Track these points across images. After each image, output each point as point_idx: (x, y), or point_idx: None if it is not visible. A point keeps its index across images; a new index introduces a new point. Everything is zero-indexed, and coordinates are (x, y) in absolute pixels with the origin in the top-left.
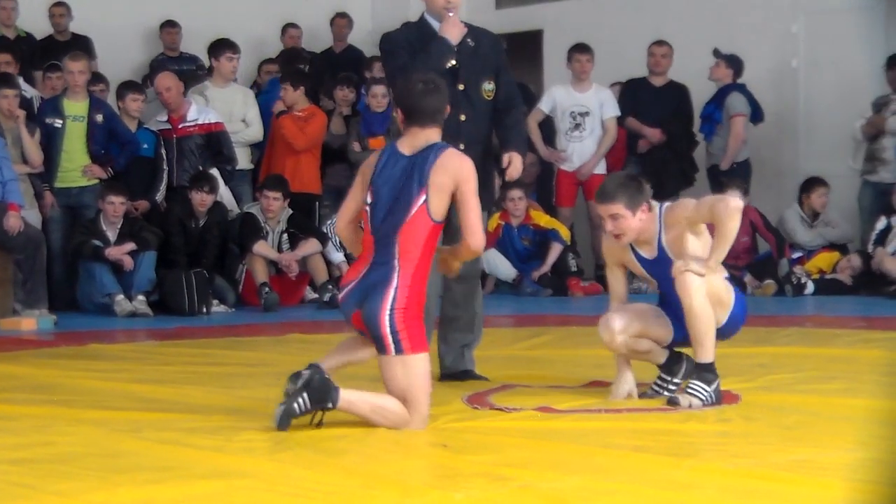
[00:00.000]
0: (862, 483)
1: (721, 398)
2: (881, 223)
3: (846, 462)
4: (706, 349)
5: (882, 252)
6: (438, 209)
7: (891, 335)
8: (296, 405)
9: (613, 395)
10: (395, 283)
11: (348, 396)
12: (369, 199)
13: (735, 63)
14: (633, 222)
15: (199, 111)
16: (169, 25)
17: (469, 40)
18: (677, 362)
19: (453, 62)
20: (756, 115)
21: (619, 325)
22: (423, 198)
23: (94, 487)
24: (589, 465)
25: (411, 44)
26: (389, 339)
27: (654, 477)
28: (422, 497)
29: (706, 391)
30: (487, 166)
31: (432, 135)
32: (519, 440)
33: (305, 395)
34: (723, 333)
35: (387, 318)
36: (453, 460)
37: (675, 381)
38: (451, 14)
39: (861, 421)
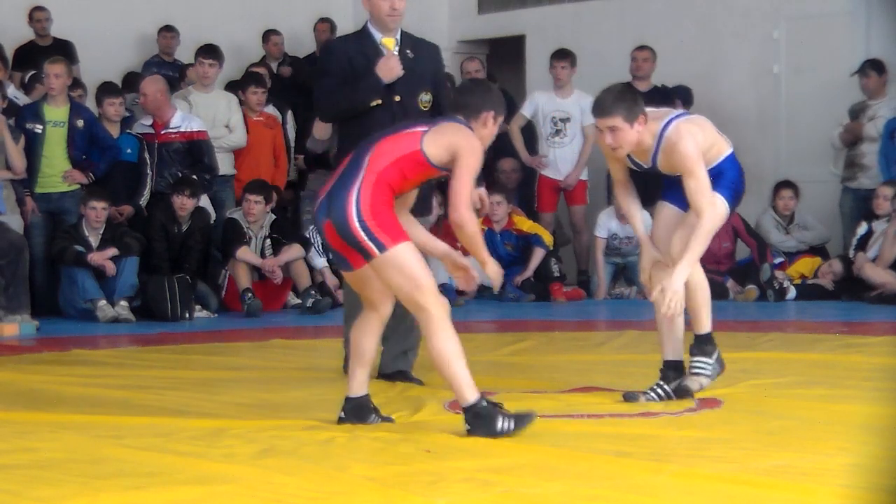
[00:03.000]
0: (843, 488)
1: (724, 366)
2: (862, 228)
3: (828, 467)
4: (702, 321)
5: (863, 257)
6: (430, 146)
7: (871, 340)
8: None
9: (641, 270)
10: (359, 181)
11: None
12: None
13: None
14: (631, 134)
15: (184, 118)
16: (166, 30)
17: (408, 51)
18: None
19: (379, 102)
20: None
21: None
22: (422, 129)
23: (75, 493)
24: (571, 470)
25: (350, 57)
26: (367, 241)
27: (635, 482)
28: (404, 502)
29: (709, 364)
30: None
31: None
32: (501, 446)
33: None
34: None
35: (356, 220)
36: (436, 466)
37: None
38: (391, 51)
39: (843, 426)
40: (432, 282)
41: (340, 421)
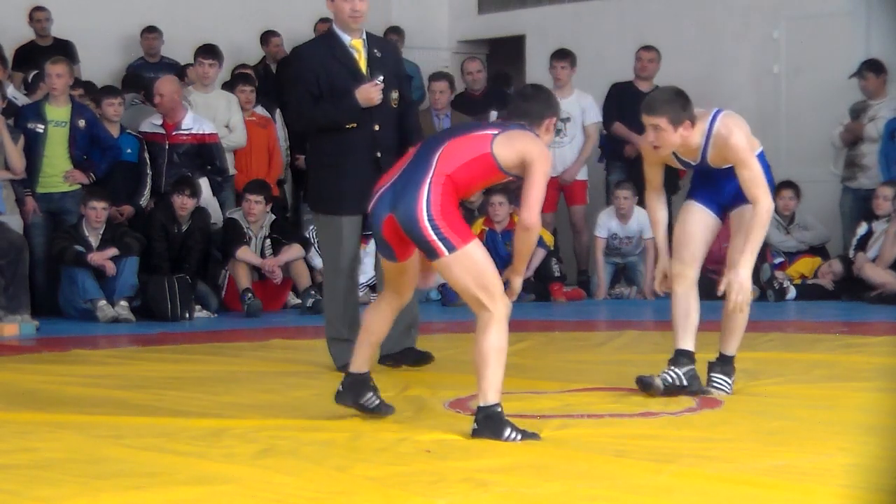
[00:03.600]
0: (843, 488)
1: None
2: (862, 229)
3: (828, 467)
4: (732, 345)
5: (863, 257)
6: (501, 149)
7: (871, 340)
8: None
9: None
10: (428, 180)
11: None
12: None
13: None
14: (674, 137)
15: (195, 120)
16: (149, 31)
17: (376, 51)
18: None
19: (354, 125)
20: None
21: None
22: (493, 132)
23: (75, 493)
24: (571, 470)
25: (321, 62)
26: (436, 240)
27: (635, 482)
28: (404, 502)
29: (728, 384)
30: None
31: None
32: (501, 446)
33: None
34: None
35: (426, 220)
36: (436, 466)
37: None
38: (357, 36)
39: (843, 426)
40: (499, 282)
41: (338, 395)
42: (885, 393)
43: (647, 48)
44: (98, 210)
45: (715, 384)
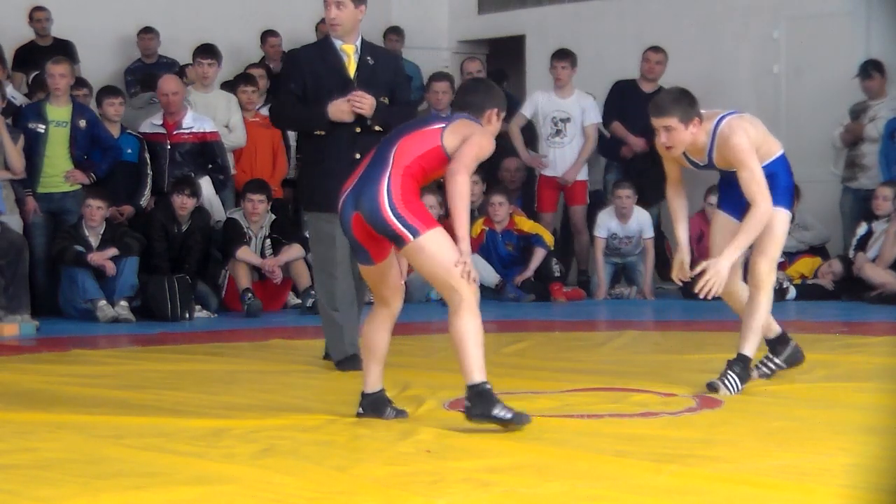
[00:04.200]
0: (843, 488)
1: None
2: (862, 229)
3: (827, 467)
4: (751, 344)
5: (862, 257)
6: (449, 141)
7: (871, 340)
8: None
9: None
10: (387, 173)
11: None
12: None
13: None
14: (685, 135)
15: (195, 119)
16: (145, 32)
17: (368, 58)
18: (783, 343)
19: (321, 132)
20: None
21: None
22: (440, 125)
23: (75, 493)
24: (571, 470)
25: (312, 66)
26: (400, 226)
27: (636, 482)
28: (404, 502)
29: (737, 385)
30: None
31: None
32: (501, 446)
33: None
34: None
35: (388, 208)
36: (436, 466)
37: (777, 361)
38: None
39: (843, 426)
40: (463, 266)
41: (359, 415)
42: (885, 393)
43: (655, 49)
44: (93, 208)
45: (727, 379)
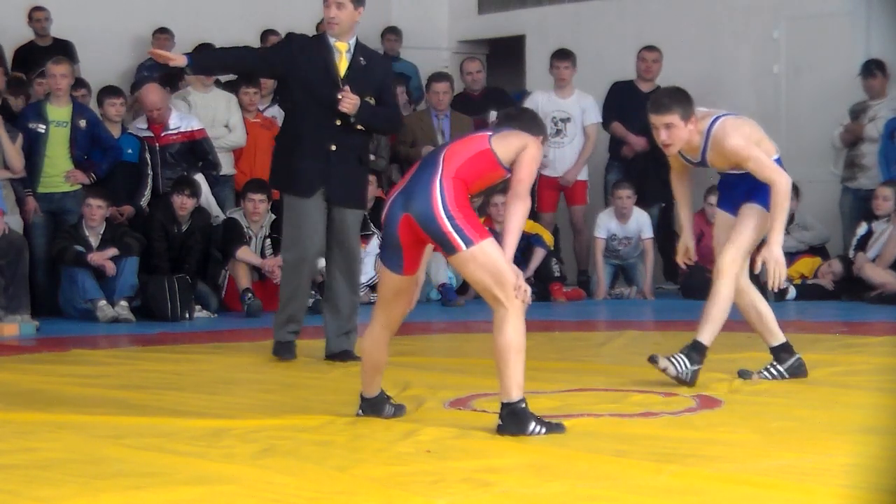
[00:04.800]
0: (843, 488)
1: (691, 379)
2: (862, 229)
3: (827, 467)
4: (708, 332)
5: (862, 258)
6: (499, 146)
7: (871, 340)
8: None
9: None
10: (438, 176)
11: None
12: None
13: None
14: (684, 132)
15: (181, 118)
16: (160, 32)
17: (360, 59)
18: (787, 352)
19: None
20: None
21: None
22: (488, 133)
23: (75, 493)
24: (571, 470)
25: (303, 51)
26: (454, 234)
27: (636, 482)
28: (404, 502)
29: (686, 370)
30: (362, 173)
31: None
32: (501, 446)
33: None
34: None
35: (442, 213)
36: (436, 466)
37: (781, 369)
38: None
39: (843, 426)
40: (514, 279)
41: (358, 415)
42: (885, 393)
43: (650, 48)
44: (93, 208)
45: (674, 360)
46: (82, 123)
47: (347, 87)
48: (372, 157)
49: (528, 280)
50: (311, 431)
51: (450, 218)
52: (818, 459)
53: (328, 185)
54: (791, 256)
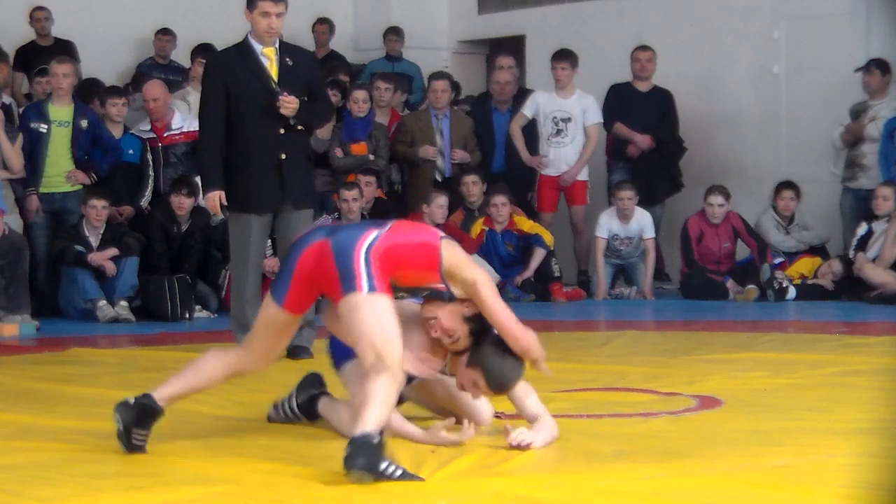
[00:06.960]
0: (843, 488)
1: None
2: (862, 229)
3: (828, 467)
4: None
5: (862, 258)
6: (447, 250)
7: (871, 340)
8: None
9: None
10: (377, 232)
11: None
12: None
13: None
14: None
15: (184, 119)
16: (163, 33)
17: (287, 59)
18: None
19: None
20: None
21: None
22: (440, 235)
23: (76, 493)
24: (569, 470)
25: (232, 71)
26: (362, 274)
27: (635, 482)
28: (404, 502)
29: None
30: (309, 172)
31: None
32: (500, 446)
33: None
34: None
35: (363, 252)
36: (436, 466)
37: None
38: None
39: (842, 426)
40: (401, 344)
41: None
42: (885, 393)
43: (644, 48)
44: (98, 209)
45: None
46: (84, 123)
47: (285, 92)
48: (371, 157)
49: (527, 280)
50: (311, 431)
51: (367, 260)
52: (818, 459)
53: (287, 195)
54: (791, 256)
